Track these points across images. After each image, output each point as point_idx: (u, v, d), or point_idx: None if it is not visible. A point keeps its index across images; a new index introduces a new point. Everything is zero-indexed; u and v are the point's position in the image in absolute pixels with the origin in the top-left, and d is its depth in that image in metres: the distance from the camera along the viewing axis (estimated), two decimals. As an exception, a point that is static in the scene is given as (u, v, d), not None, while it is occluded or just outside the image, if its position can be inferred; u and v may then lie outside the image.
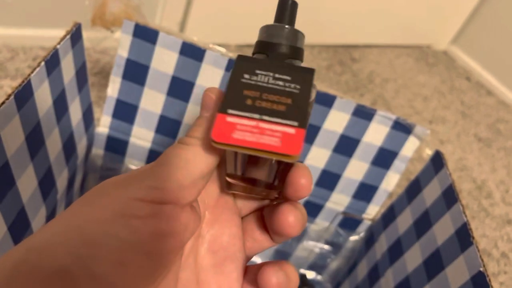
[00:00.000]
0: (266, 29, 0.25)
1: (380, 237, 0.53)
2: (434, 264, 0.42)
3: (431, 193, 0.46)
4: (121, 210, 0.19)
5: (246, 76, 0.22)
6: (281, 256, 0.61)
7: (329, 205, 0.56)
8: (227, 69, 0.46)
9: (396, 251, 0.49)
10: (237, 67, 0.22)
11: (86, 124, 0.46)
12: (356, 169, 0.53)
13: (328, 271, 0.62)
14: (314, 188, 0.54)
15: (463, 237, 0.39)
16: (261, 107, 0.21)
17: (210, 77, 0.46)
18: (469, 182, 1.00)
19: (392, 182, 0.54)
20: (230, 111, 0.21)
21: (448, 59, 1.52)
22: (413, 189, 0.50)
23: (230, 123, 0.20)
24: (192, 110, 0.49)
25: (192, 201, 0.21)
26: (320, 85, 0.47)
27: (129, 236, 0.18)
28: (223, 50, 0.45)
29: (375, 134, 0.51)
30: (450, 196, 0.43)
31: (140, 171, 0.21)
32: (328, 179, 0.54)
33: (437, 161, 0.47)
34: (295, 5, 0.25)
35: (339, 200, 0.55)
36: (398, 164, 0.53)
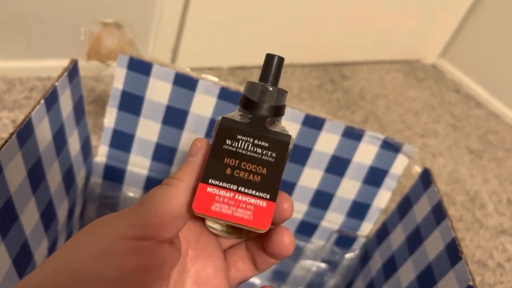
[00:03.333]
0: (250, 87, 0.26)
1: (375, 254, 0.54)
2: (427, 279, 0.43)
3: (421, 209, 0.48)
4: (105, 248, 0.20)
5: (228, 142, 0.24)
6: (280, 276, 0.62)
7: (324, 224, 0.57)
8: (219, 97, 0.48)
9: (390, 267, 0.50)
10: (220, 130, 0.24)
11: (85, 155, 0.48)
12: (348, 188, 0.55)
13: (326, 289, 0.63)
14: (308, 208, 0.56)
15: (453, 252, 0.41)
16: (239, 177, 0.23)
17: (203, 105, 0.48)
18: (462, 194, 1.01)
19: (384, 199, 0.55)
20: (211, 180, 0.23)
21: (437, 73, 1.55)
22: (404, 206, 0.51)
23: (209, 194, 0.23)
24: (186, 137, 0.50)
25: (171, 238, 0.22)
26: (312, 104, 0.49)
27: (112, 273, 0.19)
28: (215, 79, 0.47)
29: (365, 154, 0.52)
30: (439, 212, 0.45)
31: (126, 210, 0.22)
32: (322, 199, 0.55)
33: (426, 178, 0.49)
34: (281, 62, 0.26)
35: (333, 219, 0.57)
36: (389, 182, 0.54)
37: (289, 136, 0.25)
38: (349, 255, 0.59)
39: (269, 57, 0.26)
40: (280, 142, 0.24)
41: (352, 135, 0.51)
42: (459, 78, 1.55)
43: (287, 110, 0.49)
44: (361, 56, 1.43)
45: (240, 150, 0.24)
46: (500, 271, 0.85)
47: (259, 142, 0.24)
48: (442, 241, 0.43)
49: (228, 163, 0.23)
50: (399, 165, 0.53)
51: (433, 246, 0.44)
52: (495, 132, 1.31)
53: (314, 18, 1.20)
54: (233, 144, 0.24)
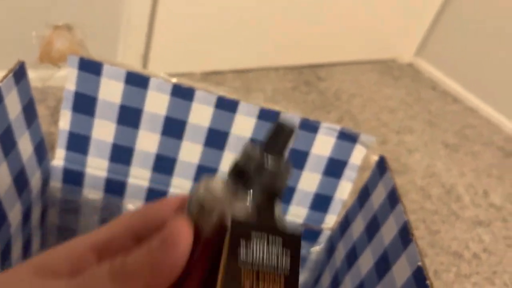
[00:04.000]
0: (253, 156, 0.22)
1: (339, 245, 0.54)
2: (383, 265, 0.43)
3: (378, 197, 0.48)
4: None
5: (242, 248, 0.21)
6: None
7: (288, 218, 0.57)
8: (172, 94, 0.48)
9: (351, 257, 0.50)
10: (233, 234, 0.21)
11: (39, 158, 0.48)
12: (309, 181, 0.55)
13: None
14: (271, 203, 0.56)
15: (405, 236, 0.41)
16: None
17: (157, 102, 0.48)
18: (438, 187, 1.02)
19: (345, 191, 0.56)
20: None
21: (413, 71, 1.57)
22: (363, 195, 0.51)
23: None
24: (142, 136, 0.50)
25: None
26: (286, 105, 0.50)
27: None
28: (165, 76, 0.47)
29: (323, 146, 0.53)
30: (393, 198, 0.45)
31: None
32: (284, 193, 0.55)
33: (381, 166, 0.49)
34: (292, 132, 0.23)
35: (297, 213, 0.57)
36: (349, 173, 0.55)
37: (298, 229, 0.23)
38: (315, 249, 0.59)
39: (281, 127, 0.22)
40: (293, 236, 0.22)
41: (308, 127, 0.52)
42: (435, 76, 1.57)
43: (243, 105, 0.50)
44: (337, 58, 1.45)
45: (256, 254, 0.21)
46: (476, 262, 0.85)
47: (273, 238, 0.21)
48: (396, 226, 0.43)
49: (243, 282, 0.20)
50: (357, 155, 0.54)
51: (388, 231, 0.44)
52: (472, 127, 1.33)
53: (288, 21, 1.21)
54: (248, 246, 0.21)
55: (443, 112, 1.36)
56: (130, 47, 0.96)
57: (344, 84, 1.33)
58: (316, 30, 1.30)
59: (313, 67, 1.37)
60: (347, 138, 0.53)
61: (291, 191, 0.55)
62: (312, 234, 0.58)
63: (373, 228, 0.47)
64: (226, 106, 0.49)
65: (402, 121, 1.24)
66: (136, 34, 0.96)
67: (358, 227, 0.51)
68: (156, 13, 0.97)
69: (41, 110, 0.86)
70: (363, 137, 0.53)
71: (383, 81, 1.43)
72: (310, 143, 0.52)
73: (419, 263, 0.37)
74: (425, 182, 1.03)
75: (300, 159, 0.53)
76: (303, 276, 0.62)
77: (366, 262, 0.47)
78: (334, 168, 0.54)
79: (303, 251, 0.59)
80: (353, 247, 0.50)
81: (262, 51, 1.23)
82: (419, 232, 0.87)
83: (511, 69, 1.41)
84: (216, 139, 0.51)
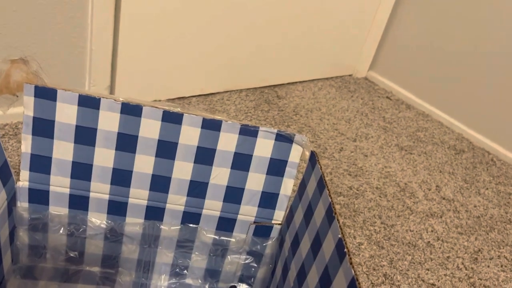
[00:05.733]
0: None
1: (286, 237, 0.60)
2: (316, 245, 0.49)
3: (311, 187, 0.54)
4: None
5: None
6: (212, 274, 0.67)
7: (240, 217, 0.63)
8: (122, 112, 0.54)
9: (295, 244, 0.56)
10: None
11: (3, 179, 0.53)
12: (255, 181, 0.61)
13: (257, 280, 0.68)
14: (223, 204, 0.61)
15: (330, 215, 0.47)
16: None
17: (108, 121, 0.54)
18: (393, 186, 1.09)
19: (288, 187, 0.62)
20: None
21: (368, 84, 1.67)
22: (301, 188, 0.58)
23: None
24: (99, 152, 0.56)
25: None
26: (248, 123, 0.56)
27: None
28: (115, 97, 0.53)
29: (263, 148, 0.59)
30: (321, 185, 0.51)
31: None
32: (233, 194, 0.61)
33: (313, 159, 0.56)
34: None
35: (248, 212, 0.62)
36: (290, 171, 0.61)
37: None
38: (268, 243, 0.64)
39: None
40: None
41: (248, 132, 0.58)
42: (389, 86, 1.67)
43: (187, 117, 0.56)
44: (296, 77, 1.53)
45: None
46: (430, 249, 0.92)
47: None
48: (323, 208, 0.49)
49: None
50: (295, 153, 0.60)
51: (319, 214, 0.50)
52: (425, 129, 1.42)
53: (249, 45, 1.30)
54: None
55: (397, 118, 1.45)
56: (95, 80, 1.03)
57: (303, 100, 1.42)
58: (276, 53, 1.39)
59: (274, 87, 1.45)
60: (284, 139, 0.59)
61: (240, 192, 0.61)
62: (264, 230, 0.64)
63: (308, 214, 0.53)
64: (172, 119, 0.56)
65: (358, 129, 1.32)
66: (101, 67, 1.02)
67: (299, 216, 0.57)
68: (118, 45, 1.04)
69: (13, 144, 0.91)
70: (297, 137, 0.59)
71: (340, 95, 1.52)
72: (252, 146, 0.59)
73: (339, 235, 0.44)
74: (381, 182, 1.10)
75: (245, 162, 0.59)
76: (261, 272, 0.67)
77: (305, 246, 0.52)
78: (276, 167, 0.60)
79: (258, 247, 0.65)
80: (296, 235, 0.56)
81: (224, 76, 1.30)
82: (375, 227, 0.94)
83: (458, 75, 1.52)
84: (165, 150, 0.57)
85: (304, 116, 1.32)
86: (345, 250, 0.42)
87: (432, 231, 0.97)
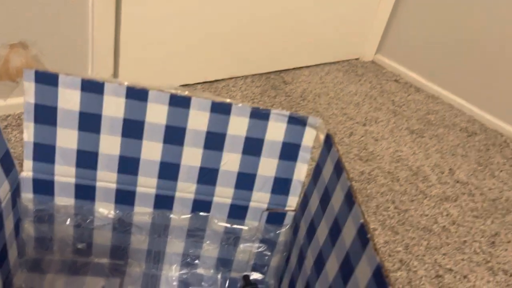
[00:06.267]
0: None
1: (301, 223, 0.58)
2: (335, 230, 0.47)
3: (327, 170, 0.52)
4: None
5: None
6: (224, 263, 0.65)
7: (253, 205, 0.60)
8: (127, 97, 0.51)
9: (311, 231, 0.53)
10: None
11: (6, 170, 0.50)
12: (267, 167, 0.58)
13: (270, 269, 0.65)
14: (235, 191, 0.59)
15: (349, 199, 0.45)
16: None
17: (114, 106, 0.52)
18: (405, 170, 1.07)
19: (302, 172, 0.59)
20: None
21: (376, 68, 1.64)
22: (316, 172, 0.55)
23: None
24: (105, 140, 0.53)
25: None
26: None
27: None
28: (119, 80, 0.51)
29: (275, 132, 0.57)
30: (338, 168, 0.49)
31: None
32: (245, 180, 0.59)
33: (328, 142, 0.53)
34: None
35: (260, 198, 0.60)
36: (303, 155, 0.58)
37: None
38: (282, 231, 0.62)
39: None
40: None
41: (260, 115, 0.55)
42: (397, 69, 1.63)
43: (195, 101, 0.53)
44: (302, 62, 1.50)
45: None
46: (446, 234, 0.89)
47: None
48: (342, 192, 0.47)
49: None
50: (308, 137, 0.58)
51: (337, 199, 0.48)
52: (435, 112, 1.39)
53: (253, 30, 1.27)
54: None
55: (407, 101, 1.42)
56: (99, 69, 1.00)
57: (310, 85, 1.39)
58: (282, 38, 1.35)
59: (280, 73, 1.42)
60: (297, 122, 0.57)
61: (252, 178, 0.59)
62: (277, 217, 0.62)
63: (325, 199, 0.51)
64: (179, 103, 0.53)
65: (367, 113, 1.29)
66: (103, 55, 1.00)
67: (314, 202, 0.54)
68: (120, 32, 1.01)
69: (16, 135, 0.89)
70: (311, 119, 0.57)
71: (347, 79, 1.49)
72: (264, 130, 0.56)
73: (361, 220, 0.41)
74: (393, 166, 1.07)
75: (256, 146, 0.57)
76: (275, 260, 0.65)
77: (322, 232, 0.50)
78: (289, 151, 0.58)
79: (271, 235, 0.63)
80: (312, 222, 0.54)
81: (229, 62, 1.27)
82: (388, 213, 0.91)
83: (468, 56, 1.48)
84: (174, 135, 0.54)
85: (312, 101, 1.29)
86: (368, 235, 0.39)
87: (447, 215, 0.94)
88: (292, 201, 0.61)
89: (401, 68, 1.63)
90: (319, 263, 0.49)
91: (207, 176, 0.57)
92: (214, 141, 0.56)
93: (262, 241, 0.63)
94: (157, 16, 1.05)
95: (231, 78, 1.30)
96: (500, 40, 1.37)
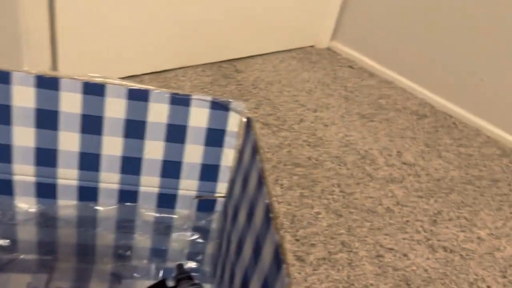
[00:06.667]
0: None
1: (229, 209, 0.57)
2: (250, 211, 0.46)
3: (247, 154, 0.52)
4: None
5: None
6: (158, 254, 0.64)
7: (181, 193, 0.60)
8: (38, 86, 0.50)
9: (235, 216, 0.53)
10: None
11: None
12: (193, 154, 0.58)
13: (206, 256, 0.65)
14: (161, 179, 0.58)
15: (260, 181, 0.45)
16: None
17: (24, 96, 0.50)
18: (353, 154, 1.08)
19: (229, 158, 0.59)
20: None
21: (331, 54, 1.64)
22: (240, 156, 0.55)
23: None
24: (18, 131, 0.51)
25: None
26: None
27: None
28: (28, 69, 0.49)
29: (198, 117, 0.56)
30: (254, 150, 0.49)
31: None
32: (171, 168, 0.58)
33: (248, 126, 0.53)
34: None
35: (189, 186, 0.59)
36: (229, 140, 0.58)
37: None
38: (213, 218, 0.62)
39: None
40: None
41: (180, 101, 0.54)
42: (352, 55, 1.65)
43: (110, 88, 0.52)
44: (256, 50, 1.49)
45: None
46: (390, 215, 0.91)
47: None
48: (256, 174, 0.47)
49: None
50: (233, 122, 0.57)
51: (253, 181, 0.47)
52: (387, 96, 1.41)
53: (204, 18, 1.25)
54: None
55: (359, 86, 1.44)
56: (35, 63, 0.97)
57: (263, 74, 1.38)
58: (234, 26, 1.34)
59: (232, 61, 1.41)
60: (220, 107, 0.56)
61: (178, 165, 0.58)
62: (208, 204, 0.61)
63: (245, 183, 0.51)
64: (94, 91, 0.51)
65: (319, 99, 1.30)
66: (39, 49, 0.96)
67: (238, 187, 0.54)
68: (56, 24, 0.97)
69: None
70: (234, 104, 0.56)
71: (301, 66, 1.49)
72: (186, 116, 0.55)
73: (267, 201, 0.41)
74: (341, 151, 1.08)
75: (180, 133, 0.56)
76: (210, 247, 0.64)
77: (242, 217, 0.50)
78: (214, 137, 0.57)
79: (203, 222, 0.62)
80: (236, 207, 0.54)
81: (178, 52, 1.25)
82: (333, 196, 0.92)
83: (420, 40, 1.51)
84: (91, 124, 0.53)
85: (264, 89, 1.29)
86: (271, 215, 0.39)
87: (392, 196, 0.96)
88: (222, 187, 0.60)
89: (356, 54, 1.64)
90: (239, 247, 0.49)
91: (131, 165, 0.56)
92: (134, 129, 0.54)
93: (195, 229, 0.63)
94: (97, 4, 1.03)
95: (180, 68, 1.28)
96: (451, 24, 1.40)
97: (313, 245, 0.78)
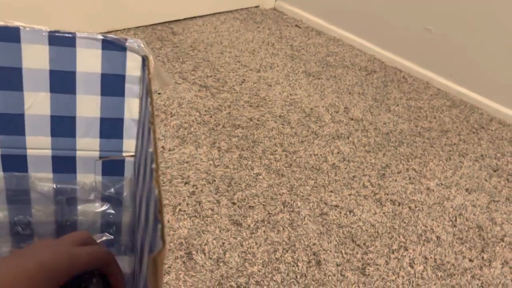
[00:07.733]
0: None
1: (136, 168, 0.49)
2: (144, 167, 0.39)
3: (144, 100, 0.43)
4: None
5: None
6: (63, 230, 0.55)
7: (80, 154, 0.51)
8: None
9: (139, 173, 0.45)
10: None
11: None
12: (88, 106, 0.48)
13: (123, 226, 0.57)
14: (52, 139, 0.49)
15: (148, 128, 0.37)
16: None
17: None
18: (298, 113, 1.01)
19: (133, 109, 0.50)
20: None
21: (277, 14, 1.56)
22: (140, 104, 0.46)
23: None
24: None
25: None
26: None
27: None
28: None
29: (88, 61, 0.46)
30: (146, 92, 0.40)
31: None
32: (63, 125, 0.48)
33: (144, 67, 0.44)
34: None
35: (88, 146, 0.50)
36: (131, 87, 0.49)
37: None
38: (124, 183, 0.53)
39: None
40: None
41: (62, 40, 0.45)
42: (299, 15, 1.57)
43: (26, 32, 0.42)
44: (195, 12, 1.39)
45: None
46: (335, 171, 0.85)
47: None
48: (146, 121, 0.38)
49: None
50: (133, 65, 0.48)
51: (145, 132, 0.39)
52: (335, 54, 1.34)
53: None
54: None
55: (306, 45, 1.36)
56: None
57: (202, 35, 1.28)
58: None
59: (169, 24, 1.31)
60: (114, 46, 0.47)
61: (71, 121, 0.49)
62: (115, 165, 0.52)
63: (142, 134, 0.42)
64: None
65: (263, 59, 1.22)
66: None
67: (139, 140, 0.46)
68: None
69: None
70: (130, 42, 0.47)
71: (244, 27, 1.40)
72: (73, 60, 0.46)
73: (150, 150, 0.33)
74: (285, 110, 1.01)
75: (67, 81, 0.47)
76: (125, 216, 0.56)
77: (142, 173, 0.42)
78: (112, 84, 0.48)
79: (112, 190, 0.54)
80: (139, 164, 0.46)
81: (108, 15, 1.14)
82: (275, 156, 0.85)
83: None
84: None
85: (203, 51, 1.20)
86: (153, 166, 0.31)
87: (338, 152, 0.90)
88: (129, 145, 0.52)
89: (303, 14, 1.57)
90: (140, 207, 0.41)
91: (11, 124, 0.47)
92: (9, 79, 0.45)
93: (104, 198, 0.54)
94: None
95: (110, 32, 1.17)
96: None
97: (251, 207, 0.71)
